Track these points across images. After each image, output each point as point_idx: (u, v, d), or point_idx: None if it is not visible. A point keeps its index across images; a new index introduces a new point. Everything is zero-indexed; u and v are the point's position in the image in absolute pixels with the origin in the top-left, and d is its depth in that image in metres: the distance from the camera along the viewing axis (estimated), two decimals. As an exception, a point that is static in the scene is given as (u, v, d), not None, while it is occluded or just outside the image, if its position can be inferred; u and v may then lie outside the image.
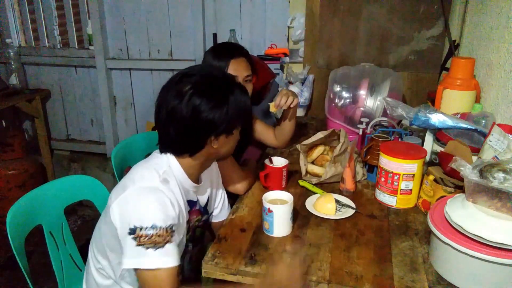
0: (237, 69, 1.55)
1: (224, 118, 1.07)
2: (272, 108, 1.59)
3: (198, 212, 1.26)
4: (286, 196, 1.23)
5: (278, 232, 1.17)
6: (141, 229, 0.97)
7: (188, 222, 1.22)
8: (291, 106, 1.59)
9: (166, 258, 0.98)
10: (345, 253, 1.10)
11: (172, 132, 1.09)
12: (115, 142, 3.16)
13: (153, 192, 1.03)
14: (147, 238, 0.97)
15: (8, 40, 2.99)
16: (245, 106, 1.13)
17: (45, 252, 1.33)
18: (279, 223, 1.17)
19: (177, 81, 1.08)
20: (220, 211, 1.38)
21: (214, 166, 1.35)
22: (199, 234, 1.33)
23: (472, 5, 1.89)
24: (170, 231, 1.00)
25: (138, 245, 0.97)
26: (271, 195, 1.24)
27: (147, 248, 0.96)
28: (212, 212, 1.37)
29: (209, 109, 1.05)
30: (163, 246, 0.97)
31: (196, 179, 1.20)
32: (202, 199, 1.27)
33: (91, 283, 1.22)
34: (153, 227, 0.97)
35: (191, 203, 1.21)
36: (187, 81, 1.07)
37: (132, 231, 0.97)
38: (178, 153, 1.12)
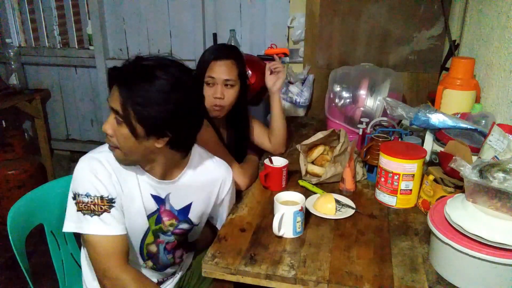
0: (216, 71, 1.52)
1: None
2: None
3: (170, 214, 1.19)
4: (290, 196, 1.24)
5: None
6: (78, 195, 1.04)
7: (160, 221, 1.17)
8: (274, 69, 1.66)
9: (104, 227, 1.03)
10: (345, 253, 1.10)
11: None
12: (115, 142, 3.15)
13: (90, 161, 1.07)
14: (83, 204, 1.04)
15: (8, 40, 3.00)
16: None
17: (45, 252, 1.33)
18: None
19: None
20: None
21: (223, 176, 1.27)
22: (175, 240, 1.24)
23: (472, 5, 1.89)
24: (106, 201, 1.04)
25: (78, 210, 1.04)
26: (281, 198, 1.23)
27: (84, 214, 1.03)
28: (198, 224, 1.28)
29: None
30: (99, 214, 1.03)
31: (160, 175, 1.14)
32: (176, 203, 1.19)
33: (85, 275, 1.24)
34: (87, 195, 1.04)
35: (157, 199, 1.15)
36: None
37: (74, 196, 1.05)
38: None
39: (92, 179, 1.05)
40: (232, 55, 1.56)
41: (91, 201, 1.03)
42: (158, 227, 1.18)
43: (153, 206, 1.15)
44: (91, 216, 1.03)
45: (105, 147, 1.10)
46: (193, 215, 1.24)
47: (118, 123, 1.02)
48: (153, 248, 1.20)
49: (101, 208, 1.03)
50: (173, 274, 1.33)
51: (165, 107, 0.99)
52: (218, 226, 1.36)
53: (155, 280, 1.25)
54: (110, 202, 1.05)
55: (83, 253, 1.23)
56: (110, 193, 1.06)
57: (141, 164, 1.12)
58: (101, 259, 1.03)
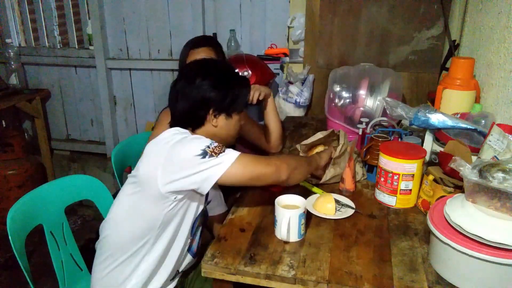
0: (194, 59, 1.56)
1: (222, 98, 1.24)
2: None
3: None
4: (289, 199, 1.22)
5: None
6: (208, 146, 1.11)
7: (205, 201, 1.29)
8: (259, 98, 1.63)
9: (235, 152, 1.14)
10: (344, 253, 1.10)
11: (180, 108, 1.25)
12: (115, 142, 3.16)
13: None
14: (217, 147, 1.13)
15: (8, 40, 3.00)
16: (242, 96, 1.30)
17: (45, 252, 1.33)
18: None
19: (194, 65, 1.30)
20: (217, 205, 1.40)
21: None
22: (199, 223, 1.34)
23: (472, 5, 1.89)
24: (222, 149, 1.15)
25: (217, 156, 1.10)
26: (281, 202, 1.20)
27: (221, 154, 1.12)
28: (209, 202, 1.38)
29: (211, 88, 1.23)
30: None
31: None
32: None
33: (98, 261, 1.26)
34: (211, 143, 1.13)
35: None
36: (201, 67, 1.28)
37: (204, 153, 1.10)
38: (183, 127, 1.23)
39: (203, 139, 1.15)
40: (208, 42, 1.67)
41: (217, 144, 1.13)
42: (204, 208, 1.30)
43: None
44: (225, 150, 1.13)
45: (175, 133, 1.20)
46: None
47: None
48: (196, 229, 1.30)
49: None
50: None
51: None
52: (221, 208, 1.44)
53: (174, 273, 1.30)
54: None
55: (103, 262, 1.25)
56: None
57: None
58: (266, 162, 1.17)
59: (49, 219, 1.34)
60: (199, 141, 1.13)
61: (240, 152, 1.14)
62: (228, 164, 1.10)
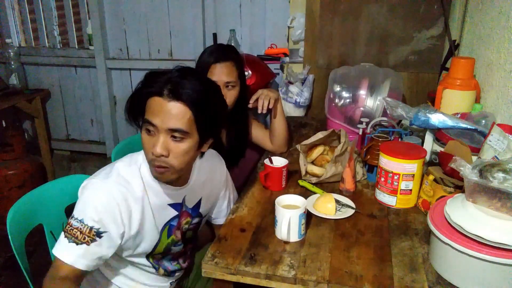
0: (216, 74, 1.51)
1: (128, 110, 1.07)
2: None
3: (186, 214, 1.23)
4: (289, 199, 1.22)
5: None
6: (72, 217, 1.02)
7: (179, 227, 1.21)
8: (269, 107, 1.60)
9: (76, 258, 1.00)
10: (345, 253, 1.10)
11: None
12: (115, 142, 3.16)
13: (102, 192, 1.03)
14: (70, 228, 1.01)
15: (8, 40, 3.00)
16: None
17: (45, 252, 1.33)
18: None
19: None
20: (223, 216, 1.38)
21: (220, 167, 1.34)
22: (190, 236, 1.30)
23: (472, 5, 1.89)
24: (95, 234, 1.00)
25: (64, 231, 1.01)
26: (281, 202, 1.19)
27: (68, 239, 1.00)
28: (206, 216, 1.33)
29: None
30: (80, 244, 1.00)
31: (178, 182, 1.15)
32: (190, 201, 1.22)
33: None
34: (80, 221, 1.00)
35: (175, 206, 1.18)
36: None
37: (71, 217, 1.02)
38: None
39: (100, 211, 1.01)
40: (231, 56, 1.55)
41: (79, 228, 1.00)
42: (170, 240, 1.20)
43: (170, 215, 1.17)
44: (75, 245, 0.99)
45: (113, 171, 1.07)
46: (203, 209, 1.28)
47: (177, 140, 1.00)
48: (158, 256, 1.23)
49: (85, 239, 1.00)
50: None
51: (218, 111, 1.06)
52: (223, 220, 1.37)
53: (167, 284, 1.29)
54: (98, 235, 1.01)
55: None
56: (104, 227, 1.02)
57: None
58: (59, 283, 0.99)
59: (49, 219, 1.34)
60: (82, 204, 1.02)
61: (74, 266, 0.99)
62: (57, 256, 1.00)
